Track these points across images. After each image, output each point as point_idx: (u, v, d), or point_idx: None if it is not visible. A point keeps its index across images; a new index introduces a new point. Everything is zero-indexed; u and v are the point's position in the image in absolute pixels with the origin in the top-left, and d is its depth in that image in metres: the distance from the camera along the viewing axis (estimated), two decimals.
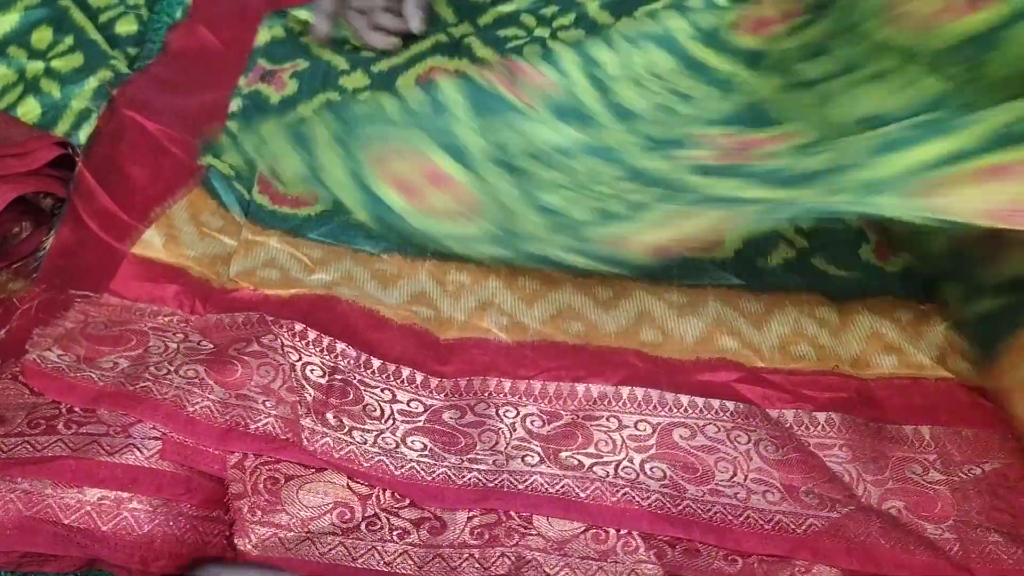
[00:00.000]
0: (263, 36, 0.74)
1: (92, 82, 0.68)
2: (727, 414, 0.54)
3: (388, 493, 0.51)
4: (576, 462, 0.52)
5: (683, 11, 0.65)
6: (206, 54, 0.74)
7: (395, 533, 0.50)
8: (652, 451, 0.52)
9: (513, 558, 0.48)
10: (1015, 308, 0.52)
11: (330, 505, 0.50)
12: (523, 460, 0.52)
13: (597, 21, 0.76)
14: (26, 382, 0.52)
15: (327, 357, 0.55)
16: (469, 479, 0.51)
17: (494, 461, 0.52)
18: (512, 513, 0.50)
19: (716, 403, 0.55)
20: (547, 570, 0.48)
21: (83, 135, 0.65)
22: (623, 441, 0.53)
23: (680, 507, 0.50)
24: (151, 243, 0.60)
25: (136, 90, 0.69)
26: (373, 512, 0.50)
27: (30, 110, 0.66)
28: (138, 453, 0.49)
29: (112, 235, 0.61)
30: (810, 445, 0.53)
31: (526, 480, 0.51)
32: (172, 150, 0.66)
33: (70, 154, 0.63)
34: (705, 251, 0.61)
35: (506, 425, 0.54)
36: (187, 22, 0.76)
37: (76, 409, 0.51)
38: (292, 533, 0.48)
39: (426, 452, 0.52)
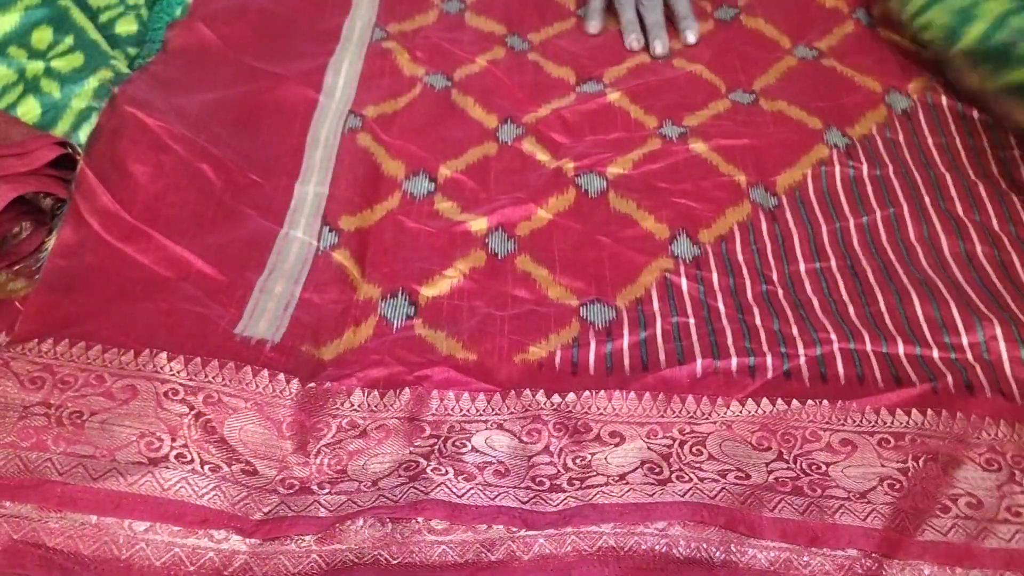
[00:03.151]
0: None
1: (92, 82, 0.67)
2: None
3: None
4: None
5: None
6: (206, 52, 0.74)
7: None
8: None
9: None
10: None
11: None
12: None
13: None
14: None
15: None
16: None
17: None
18: None
19: None
20: None
21: (83, 135, 0.65)
22: None
23: None
24: None
25: (137, 88, 0.69)
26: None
27: (30, 110, 0.66)
28: (120, 479, 0.50)
29: (113, 235, 0.61)
30: None
31: None
32: (173, 147, 0.66)
33: (71, 154, 0.62)
34: None
35: None
36: (186, 20, 0.76)
37: (65, 421, 0.51)
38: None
39: None
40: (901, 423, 0.55)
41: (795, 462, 0.53)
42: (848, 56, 0.80)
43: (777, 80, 0.78)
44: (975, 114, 0.74)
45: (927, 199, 0.67)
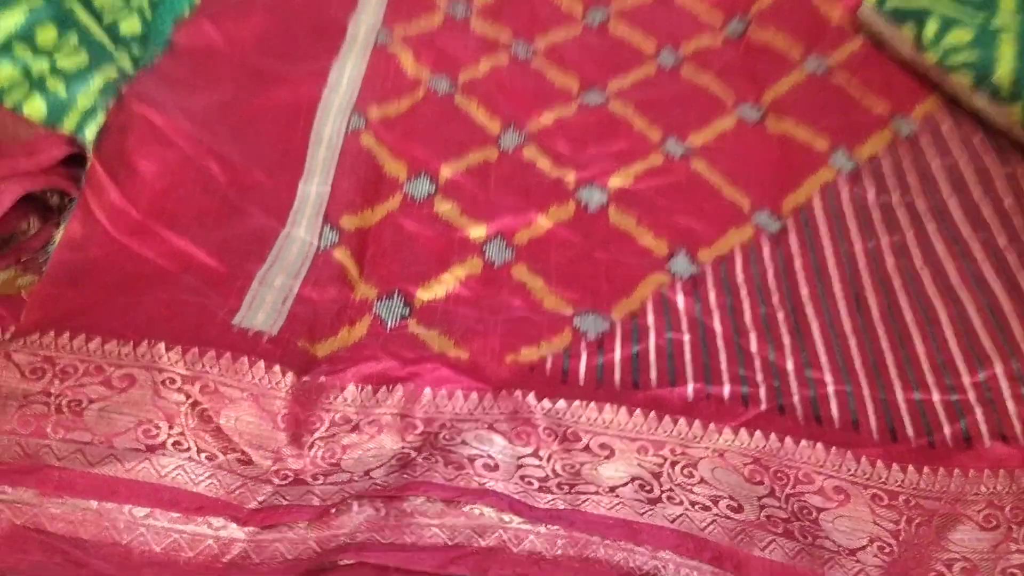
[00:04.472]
0: None
1: (97, 81, 0.68)
2: None
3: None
4: None
5: None
6: (213, 51, 0.75)
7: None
8: None
9: None
10: None
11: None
12: None
13: None
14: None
15: None
16: None
17: None
18: None
19: None
20: None
21: (89, 133, 0.66)
22: None
23: None
24: None
25: (144, 86, 0.70)
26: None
27: (36, 108, 0.66)
28: (118, 465, 0.50)
29: (119, 229, 0.62)
30: None
31: None
32: (179, 144, 0.67)
33: (79, 152, 0.63)
34: None
35: None
36: (194, 19, 0.77)
37: (64, 409, 0.52)
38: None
39: None
40: (896, 480, 0.54)
41: (787, 501, 0.53)
42: (856, 74, 0.80)
43: (786, 93, 0.78)
44: (980, 136, 0.74)
45: (932, 226, 0.67)
